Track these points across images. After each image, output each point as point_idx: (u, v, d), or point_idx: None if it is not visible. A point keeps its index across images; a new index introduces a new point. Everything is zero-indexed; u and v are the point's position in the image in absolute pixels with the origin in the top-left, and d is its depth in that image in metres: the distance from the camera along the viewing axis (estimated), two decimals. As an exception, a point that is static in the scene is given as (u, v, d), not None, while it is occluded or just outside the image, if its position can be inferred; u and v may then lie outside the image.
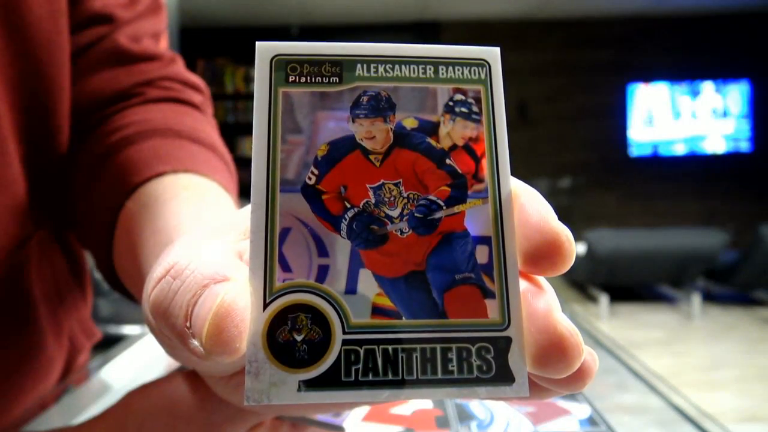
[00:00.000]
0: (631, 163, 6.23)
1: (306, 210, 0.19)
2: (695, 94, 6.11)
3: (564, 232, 0.19)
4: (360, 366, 0.18)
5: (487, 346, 0.18)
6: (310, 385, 0.18)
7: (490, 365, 0.18)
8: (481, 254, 0.20)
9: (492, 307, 0.19)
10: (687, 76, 6.11)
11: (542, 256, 0.19)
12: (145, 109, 0.43)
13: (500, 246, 0.20)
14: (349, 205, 0.19)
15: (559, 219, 0.21)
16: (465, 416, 0.45)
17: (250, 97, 6.23)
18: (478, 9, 5.81)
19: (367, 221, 0.19)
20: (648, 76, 6.14)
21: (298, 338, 0.18)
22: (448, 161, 0.20)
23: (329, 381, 0.18)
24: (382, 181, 0.20)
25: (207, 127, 0.45)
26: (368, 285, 0.19)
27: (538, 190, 0.22)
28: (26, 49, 0.38)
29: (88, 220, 0.41)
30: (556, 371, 0.18)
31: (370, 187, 0.20)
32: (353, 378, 0.18)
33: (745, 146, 6.12)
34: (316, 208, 0.19)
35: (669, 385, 0.50)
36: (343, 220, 0.19)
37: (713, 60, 6.12)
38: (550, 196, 6.19)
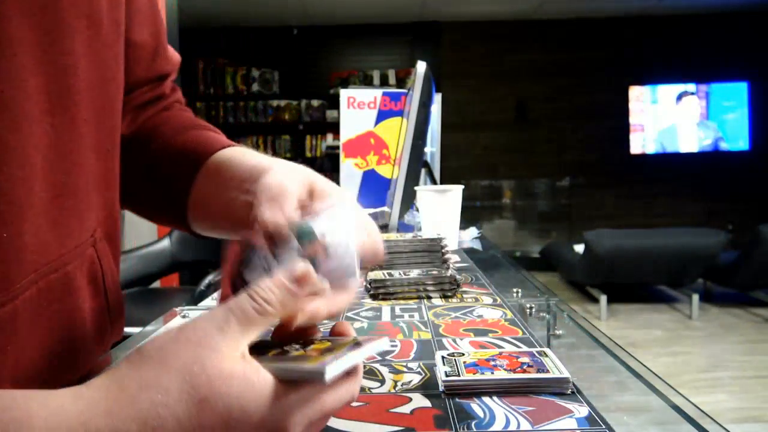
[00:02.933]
0: (631, 163, 6.23)
1: None
2: (694, 93, 6.11)
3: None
4: None
5: None
6: None
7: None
8: None
9: None
10: (686, 76, 6.12)
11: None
12: (173, 114, 0.65)
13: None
14: None
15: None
16: (464, 416, 0.45)
17: (250, 97, 6.23)
18: (478, 9, 5.81)
19: None
20: (648, 77, 6.14)
21: None
22: None
23: None
24: None
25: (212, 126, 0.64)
26: None
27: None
28: (104, 83, 0.49)
29: (161, 178, 0.58)
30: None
31: None
32: None
33: (744, 146, 6.12)
34: None
35: (668, 385, 0.50)
36: None
37: (713, 60, 6.12)
38: (550, 196, 6.20)
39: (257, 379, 0.32)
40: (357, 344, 0.36)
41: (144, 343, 0.33)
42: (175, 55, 0.67)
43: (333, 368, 0.32)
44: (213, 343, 0.32)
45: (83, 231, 0.47)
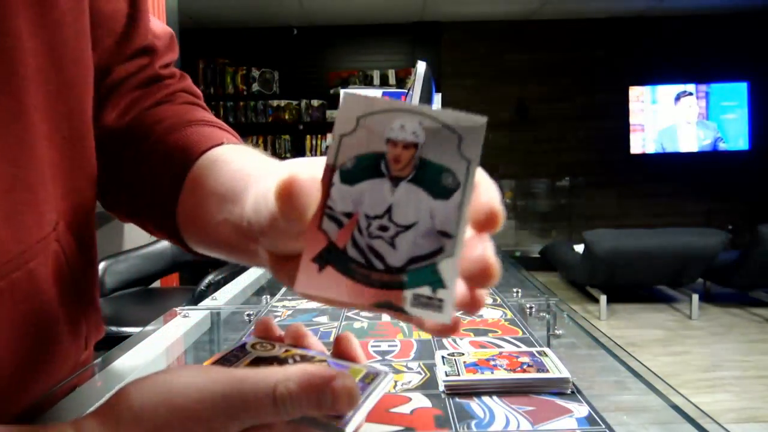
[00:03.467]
0: (631, 163, 6.23)
1: None
2: (694, 94, 6.11)
3: (500, 211, 0.28)
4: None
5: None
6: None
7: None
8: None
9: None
10: (686, 77, 6.12)
11: (487, 221, 0.28)
12: (174, 108, 0.55)
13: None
14: None
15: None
16: (464, 416, 0.45)
17: (250, 97, 6.23)
18: (478, 9, 5.81)
19: None
20: (648, 77, 6.14)
21: None
22: None
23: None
24: None
25: (219, 121, 0.56)
26: None
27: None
28: (61, 64, 0.44)
29: (150, 184, 0.50)
30: (481, 283, 0.29)
31: None
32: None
33: (744, 146, 6.12)
34: None
35: (668, 385, 0.50)
36: None
37: (713, 60, 6.12)
38: (550, 196, 6.20)
39: None
40: (367, 379, 0.35)
41: (139, 404, 0.30)
42: (163, 28, 0.59)
43: (351, 427, 0.31)
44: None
45: (43, 225, 0.44)
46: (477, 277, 0.28)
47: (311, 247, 0.29)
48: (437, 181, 0.28)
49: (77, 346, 0.51)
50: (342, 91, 0.30)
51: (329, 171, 0.29)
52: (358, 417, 0.31)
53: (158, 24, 0.59)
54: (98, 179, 0.52)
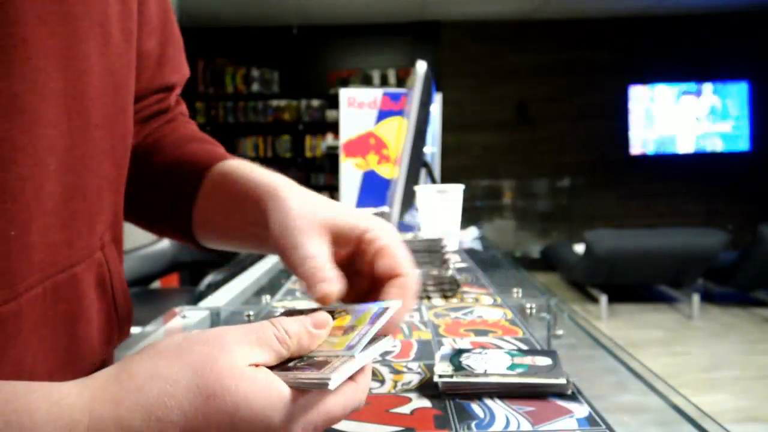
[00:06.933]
0: (631, 163, 6.23)
1: None
2: (695, 94, 6.11)
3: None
4: None
5: None
6: None
7: None
8: None
9: None
10: (687, 77, 6.12)
11: None
12: (179, 127, 0.64)
13: None
14: None
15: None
16: (464, 416, 0.45)
17: (250, 97, 6.23)
18: (478, 9, 5.81)
19: None
20: (648, 77, 6.14)
21: None
22: None
23: None
24: None
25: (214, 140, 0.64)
26: None
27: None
28: (116, 89, 0.49)
29: (164, 190, 0.58)
30: None
31: None
32: None
33: (744, 146, 6.12)
34: None
35: (668, 385, 0.50)
36: None
37: (713, 60, 6.12)
38: (550, 196, 6.20)
39: (266, 381, 0.33)
40: (373, 320, 0.38)
41: (158, 340, 0.34)
42: (183, 67, 0.66)
43: (338, 377, 0.33)
44: (229, 348, 0.33)
45: (92, 234, 0.48)
46: None
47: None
48: None
49: (106, 351, 0.53)
50: None
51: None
52: (342, 371, 0.34)
53: (181, 62, 0.65)
54: None
